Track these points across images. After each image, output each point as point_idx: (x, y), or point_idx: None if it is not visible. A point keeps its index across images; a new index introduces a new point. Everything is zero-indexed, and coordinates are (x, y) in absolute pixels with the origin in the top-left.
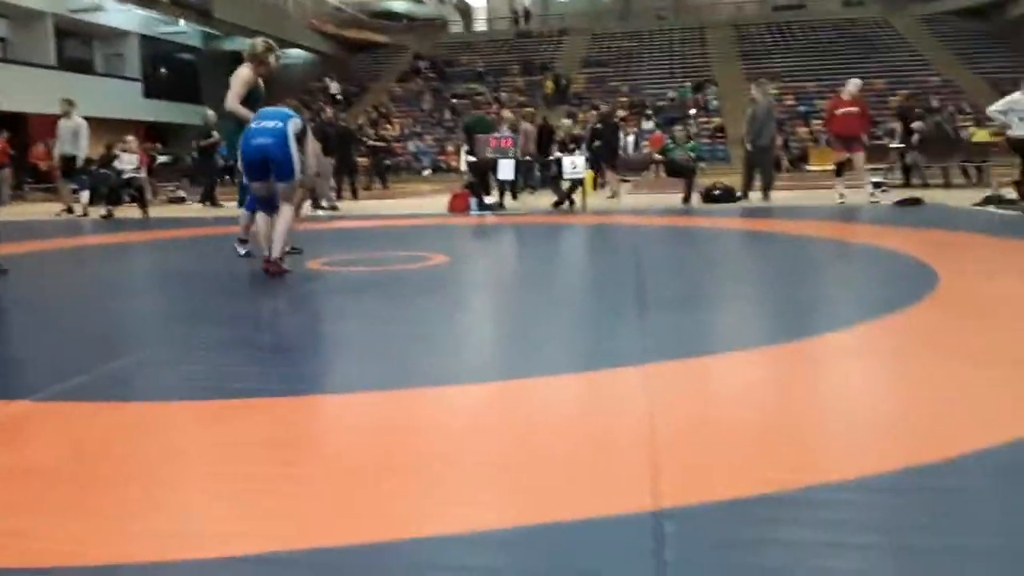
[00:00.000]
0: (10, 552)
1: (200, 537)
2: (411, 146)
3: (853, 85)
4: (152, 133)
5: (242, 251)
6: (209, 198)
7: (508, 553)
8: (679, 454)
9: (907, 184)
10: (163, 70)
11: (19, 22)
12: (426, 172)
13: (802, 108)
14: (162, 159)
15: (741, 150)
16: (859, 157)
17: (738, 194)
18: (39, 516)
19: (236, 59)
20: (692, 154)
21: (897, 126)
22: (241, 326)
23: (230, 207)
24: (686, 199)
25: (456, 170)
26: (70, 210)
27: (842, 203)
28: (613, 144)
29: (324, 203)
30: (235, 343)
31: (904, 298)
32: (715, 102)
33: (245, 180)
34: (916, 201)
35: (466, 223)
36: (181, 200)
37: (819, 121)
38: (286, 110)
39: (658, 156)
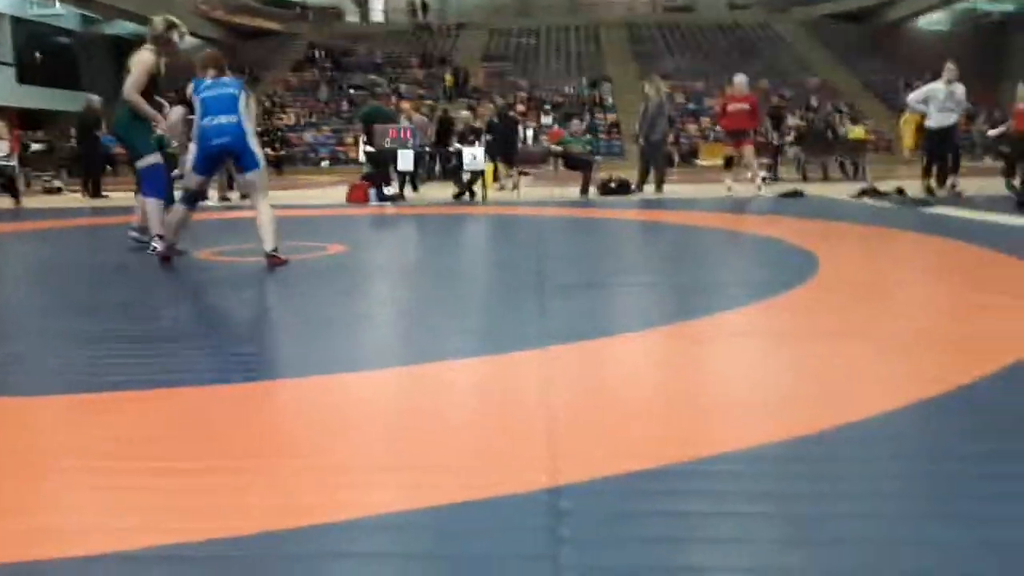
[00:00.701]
0: None
1: (76, 534)
2: (308, 137)
3: (740, 83)
4: (26, 120)
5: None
6: (93, 188)
7: (403, 536)
8: (575, 433)
9: (777, 178)
10: (38, 54)
11: None
12: (324, 163)
13: (692, 106)
14: (36, 147)
15: (635, 145)
16: (748, 150)
17: (633, 187)
18: None
19: (117, 44)
20: (588, 147)
21: (768, 125)
22: (120, 318)
23: (116, 197)
24: (584, 191)
25: (355, 161)
26: None
27: (730, 195)
28: (510, 138)
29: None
30: (112, 336)
31: (787, 282)
32: (610, 99)
33: (196, 171)
34: (797, 193)
35: (365, 213)
36: (58, 190)
37: (708, 118)
38: (230, 88)
39: (556, 149)
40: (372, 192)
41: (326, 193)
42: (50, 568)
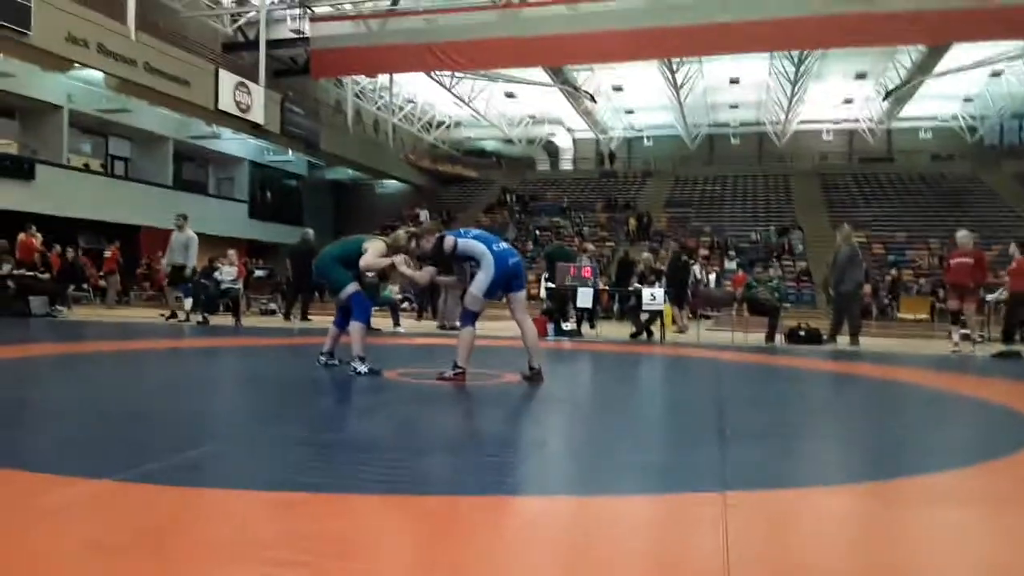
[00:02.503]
0: None
1: None
2: None
3: (962, 238)
4: (253, 249)
5: (323, 360)
6: (302, 312)
7: None
8: None
9: (988, 338)
10: (268, 194)
11: (143, 145)
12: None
13: (891, 257)
14: (259, 273)
15: (826, 294)
16: (969, 308)
17: (825, 337)
18: None
19: (336, 187)
20: (776, 293)
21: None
22: (313, 426)
23: (318, 321)
24: (769, 338)
25: (536, 297)
26: (174, 315)
27: (956, 351)
28: (679, 282)
29: (446, 323)
30: (305, 441)
31: (999, 447)
32: (800, 246)
33: (486, 295)
34: (1014, 354)
35: (543, 347)
36: (272, 312)
37: (909, 271)
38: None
39: (739, 294)
40: (550, 327)
41: (507, 325)
42: None
